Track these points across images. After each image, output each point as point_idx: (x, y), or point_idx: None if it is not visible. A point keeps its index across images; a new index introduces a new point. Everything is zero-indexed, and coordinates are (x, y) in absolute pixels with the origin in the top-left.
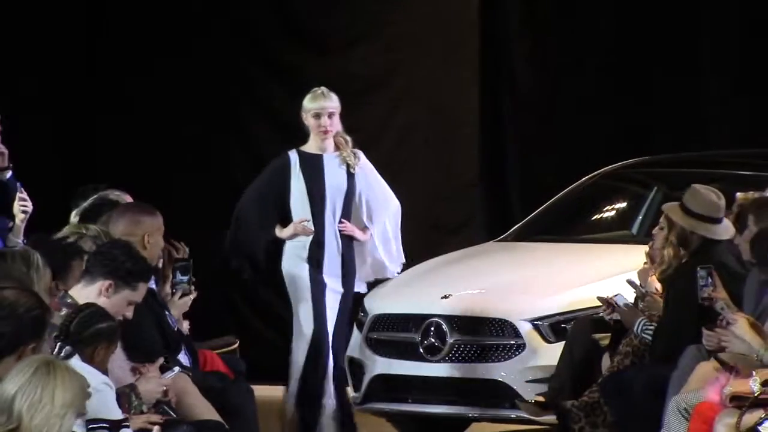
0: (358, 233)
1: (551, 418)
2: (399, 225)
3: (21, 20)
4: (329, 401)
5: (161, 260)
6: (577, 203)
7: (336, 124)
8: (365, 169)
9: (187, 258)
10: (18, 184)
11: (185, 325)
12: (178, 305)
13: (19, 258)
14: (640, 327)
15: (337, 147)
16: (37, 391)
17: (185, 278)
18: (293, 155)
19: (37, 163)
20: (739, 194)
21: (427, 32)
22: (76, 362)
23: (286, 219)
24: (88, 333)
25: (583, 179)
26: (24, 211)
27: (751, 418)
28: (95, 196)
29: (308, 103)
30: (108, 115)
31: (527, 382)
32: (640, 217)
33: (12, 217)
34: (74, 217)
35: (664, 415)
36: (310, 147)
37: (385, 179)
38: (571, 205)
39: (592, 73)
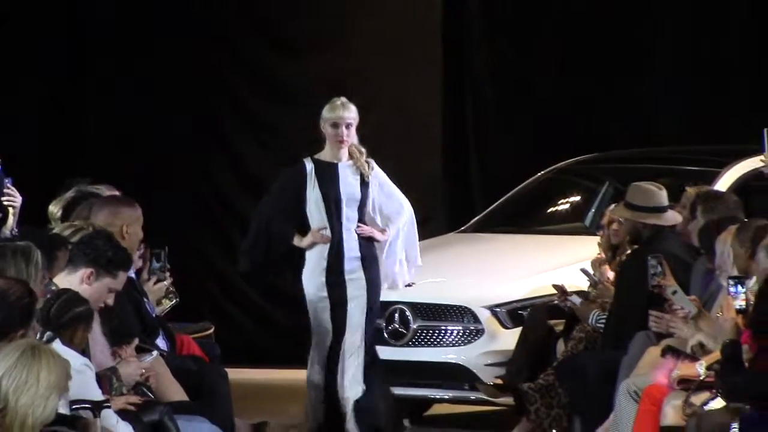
0: (377, 234)
1: (508, 400)
2: (415, 231)
3: (10, 19)
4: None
5: (141, 250)
6: (534, 197)
7: (352, 135)
8: (378, 177)
9: (161, 247)
10: (9, 180)
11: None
12: (154, 291)
13: (20, 253)
14: (594, 318)
15: (351, 156)
16: (22, 374)
17: (158, 265)
18: (308, 163)
19: (21, 158)
20: (688, 188)
21: (394, 37)
22: (57, 346)
23: (303, 226)
24: (67, 317)
25: (539, 174)
26: (10, 205)
27: (697, 399)
28: (75, 189)
29: (327, 112)
30: (91, 114)
31: (486, 365)
32: (593, 210)
33: (3, 210)
34: (53, 208)
35: (615, 397)
36: (326, 155)
37: None
38: (528, 198)
39: (548, 76)
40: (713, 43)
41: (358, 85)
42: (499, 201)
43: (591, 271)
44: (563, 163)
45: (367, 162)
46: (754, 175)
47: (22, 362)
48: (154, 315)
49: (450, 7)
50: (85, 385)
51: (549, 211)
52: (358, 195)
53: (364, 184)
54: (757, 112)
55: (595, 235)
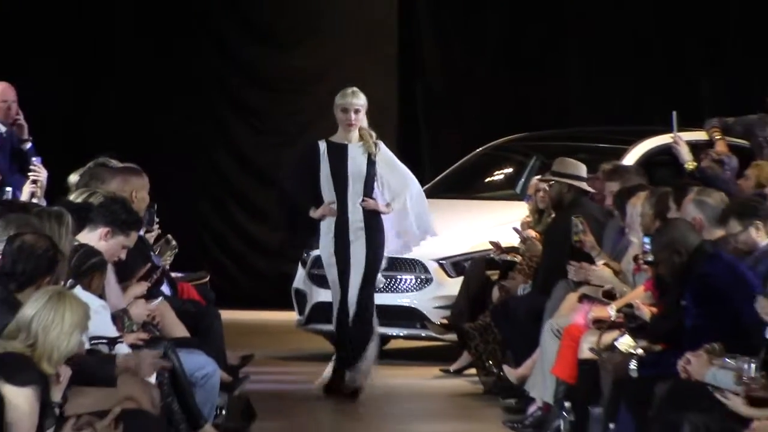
0: (381, 207)
1: (453, 337)
2: (423, 202)
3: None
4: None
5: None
6: (474, 169)
7: (361, 119)
8: (386, 157)
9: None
10: (38, 159)
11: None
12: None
13: (54, 217)
14: (521, 290)
15: (361, 138)
16: (50, 315)
17: (147, 219)
18: (322, 144)
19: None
20: (604, 164)
21: (358, 37)
22: (78, 291)
23: (317, 198)
24: (85, 267)
25: (478, 150)
26: (35, 180)
27: (608, 336)
28: (93, 162)
29: (338, 99)
30: (110, 101)
31: (434, 308)
32: (522, 180)
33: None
34: (72, 178)
35: (541, 335)
36: (338, 137)
37: None
38: (469, 170)
39: (487, 67)
40: (625, 42)
41: (330, 75)
42: (445, 172)
43: (521, 230)
44: (498, 141)
45: (375, 143)
46: (657, 151)
47: (49, 305)
48: (159, 265)
49: (404, 12)
50: (102, 323)
51: (486, 180)
52: (365, 172)
53: (371, 163)
54: (658, 97)
55: (524, 201)
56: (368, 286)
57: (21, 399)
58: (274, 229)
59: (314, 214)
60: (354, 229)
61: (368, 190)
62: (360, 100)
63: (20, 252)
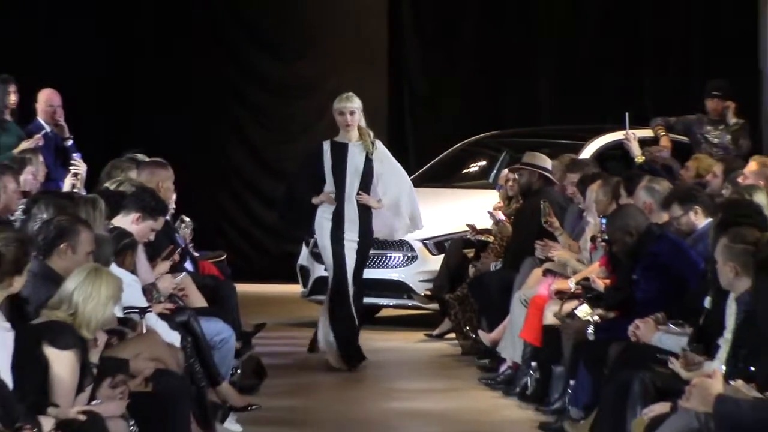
0: (373, 202)
1: (435, 306)
2: (413, 198)
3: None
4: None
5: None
6: (453, 162)
7: (357, 120)
8: (382, 154)
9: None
10: (78, 154)
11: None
12: None
13: (90, 202)
14: (493, 267)
15: (361, 137)
16: (89, 288)
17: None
18: (326, 144)
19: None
20: (561, 158)
21: (352, 48)
22: (113, 268)
23: (320, 189)
24: (119, 247)
25: (457, 145)
26: (75, 173)
27: (569, 306)
28: (125, 156)
29: (336, 104)
30: (138, 105)
31: (419, 281)
32: (494, 171)
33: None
34: (108, 168)
35: (511, 304)
36: (339, 137)
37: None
38: (449, 163)
39: (465, 74)
40: (584, 50)
41: (328, 82)
42: (428, 165)
43: (493, 214)
44: (474, 137)
45: (373, 142)
46: (610, 146)
47: (88, 280)
48: (183, 246)
49: (392, 27)
50: (133, 295)
51: (463, 171)
52: (362, 169)
53: (369, 160)
54: (611, 99)
55: (496, 189)
56: (358, 277)
57: (64, 361)
58: (280, 213)
59: (315, 199)
60: (349, 219)
61: (365, 185)
62: (354, 104)
63: (40, 227)
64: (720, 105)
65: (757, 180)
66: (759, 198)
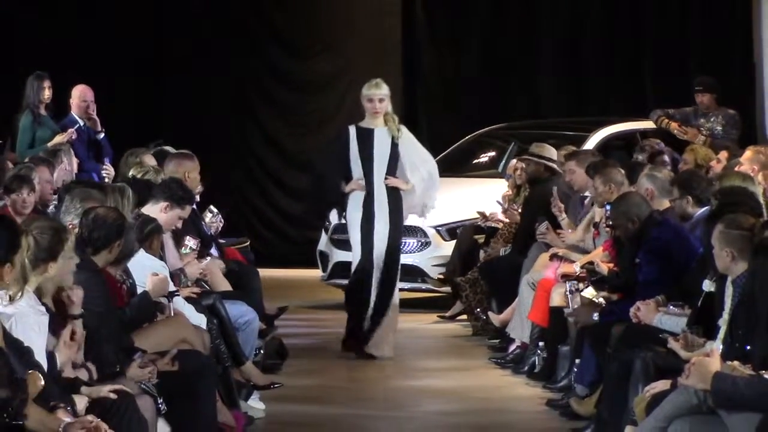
0: (401, 184)
1: (447, 289)
2: (436, 180)
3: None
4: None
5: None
6: (465, 152)
7: (384, 107)
8: (407, 139)
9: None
10: (109, 158)
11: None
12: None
13: (118, 191)
14: (503, 251)
15: (386, 123)
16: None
17: None
18: (352, 129)
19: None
20: (562, 150)
21: (368, 46)
22: (141, 254)
23: (348, 176)
24: (145, 233)
25: (468, 137)
26: (107, 176)
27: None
28: (151, 147)
29: (365, 90)
30: (168, 103)
31: (433, 266)
32: (504, 161)
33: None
34: (125, 156)
35: (520, 287)
36: (366, 123)
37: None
38: (461, 153)
39: (474, 72)
40: (587, 47)
41: (345, 80)
42: (441, 155)
43: (502, 202)
44: (484, 129)
45: (399, 128)
46: (613, 137)
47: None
48: (209, 233)
49: (406, 26)
50: None
51: (474, 162)
52: (389, 154)
53: (395, 145)
54: (613, 92)
55: (504, 178)
56: (391, 259)
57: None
58: (313, 202)
59: (345, 188)
60: (379, 203)
61: (391, 170)
62: (383, 90)
63: (95, 222)
64: (706, 98)
65: (750, 166)
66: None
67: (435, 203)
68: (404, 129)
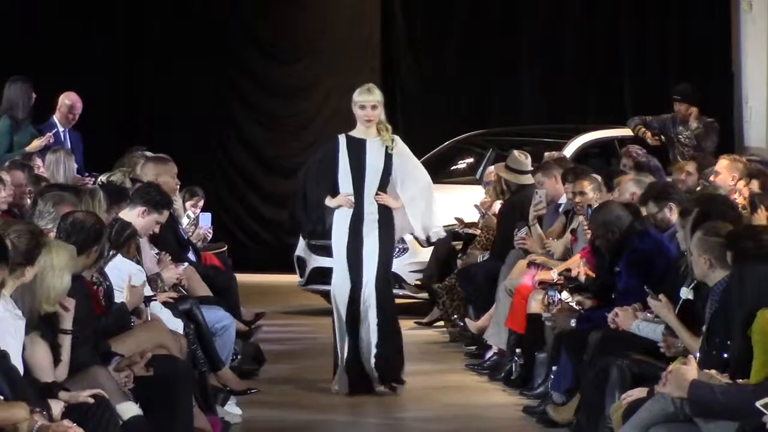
0: (392, 202)
1: (425, 295)
2: (431, 197)
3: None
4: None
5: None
6: (442, 158)
7: (378, 114)
8: (402, 151)
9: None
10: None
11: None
12: None
13: (89, 194)
14: (480, 258)
15: (379, 132)
16: (41, 263)
17: None
18: (342, 138)
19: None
20: (546, 153)
21: (347, 51)
22: (119, 258)
23: (334, 189)
24: (123, 238)
25: (446, 143)
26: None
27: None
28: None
29: (356, 96)
30: (145, 106)
31: (410, 272)
32: (482, 168)
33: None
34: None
35: (497, 294)
36: (357, 132)
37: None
38: (439, 159)
39: (453, 76)
40: (565, 55)
41: (325, 83)
42: (419, 160)
43: (481, 208)
44: (462, 136)
45: (392, 138)
46: (590, 144)
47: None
48: (186, 237)
49: (385, 32)
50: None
51: (452, 168)
52: (381, 166)
53: (388, 157)
54: (591, 99)
55: (482, 185)
56: (384, 281)
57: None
58: (291, 218)
59: (330, 202)
60: (369, 221)
61: (383, 185)
62: (376, 96)
63: (73, 227)
64: (683, 107)
65: (730, 174)
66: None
67: (436, 224)
68: (398, 140)
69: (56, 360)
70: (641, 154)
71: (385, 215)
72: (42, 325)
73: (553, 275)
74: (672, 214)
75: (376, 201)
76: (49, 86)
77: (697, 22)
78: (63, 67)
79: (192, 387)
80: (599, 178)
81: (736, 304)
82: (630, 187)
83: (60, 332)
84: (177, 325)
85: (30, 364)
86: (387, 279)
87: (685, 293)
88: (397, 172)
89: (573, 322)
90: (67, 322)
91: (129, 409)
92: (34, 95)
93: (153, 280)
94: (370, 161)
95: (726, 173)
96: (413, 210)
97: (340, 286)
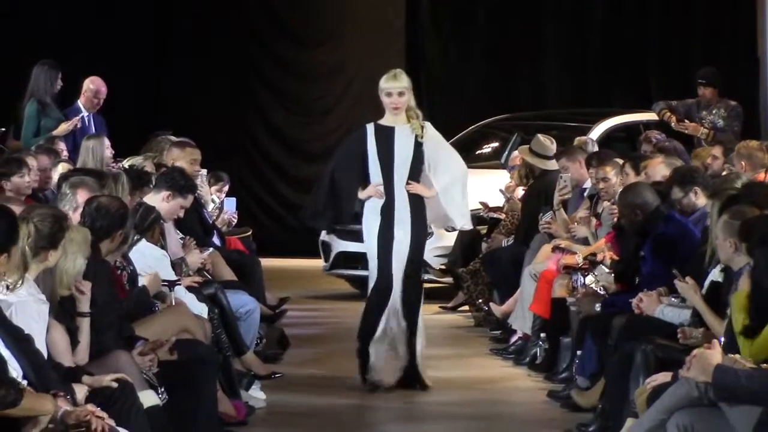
0: (424, 191)
1: (449, 280)
2: (465, 186)
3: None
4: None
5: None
6: (467, 143)
7: (405, 101)
8: (433, 138)
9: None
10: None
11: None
12: None
13: (112, 178)
14: (505, 242)
15: (409, 119)
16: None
17: None
18: (370, 127)
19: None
20: (577, 138)
21: (371, 35)
22: (143, 243)
23: (366, 180)
24: (147, 223)
25: (471, 128)
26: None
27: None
28: (159, 136)
29: (382, 83)
30: (171, 91)
31: (435, 257)
32: (506, 152)
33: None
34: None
35: (521, 278)
36: (385, 120)
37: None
38: (464, 144)
39: (478, 61)
40: (593, 38)
41: (348, 68)
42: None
43: (506, 192)
44: (487, 120)
45: (422, 125)
46: (616, 129)
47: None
48: (211, 222)
49: (409, 16)
50: (163, 269)
51: (478, 152)
52: (411, 154)
53: (418, 145)
54: (616, 83)
55: (507, 170)
56: (414, 277)
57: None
58: (310, 217)
59: (361, 194)
60: (399, 212)
61: (414, 174)
62: (402, 83)
63: (98, 212)
64: (708, 91)
65: (739, 161)
66: None
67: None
68: (429, 126)
69: (74, 343)
70: (661, 139)
71: (417, 205)
72: (58, 308)
73: (578, 260)
74: (697, 198)
75: (407, 190)
76: (73, 71)
77: (723, 6)
78: (87, 52)
79: (216, 371)
80: (620, 161)
81: (759, 288)
82: (661, 170)
83: (78, 315)
84: (201, 309)
85: (47, 348)
86: (416, 278)
87: (716, 275)
88: (429, 161)
89: (598, 307)
90: (84, 305)
91: (148, 398)
92: (60, 80)
93: (178, 264)
94: (398, 150)
95: (736, 158)
96: (448, 200)
97: (373, 279)
